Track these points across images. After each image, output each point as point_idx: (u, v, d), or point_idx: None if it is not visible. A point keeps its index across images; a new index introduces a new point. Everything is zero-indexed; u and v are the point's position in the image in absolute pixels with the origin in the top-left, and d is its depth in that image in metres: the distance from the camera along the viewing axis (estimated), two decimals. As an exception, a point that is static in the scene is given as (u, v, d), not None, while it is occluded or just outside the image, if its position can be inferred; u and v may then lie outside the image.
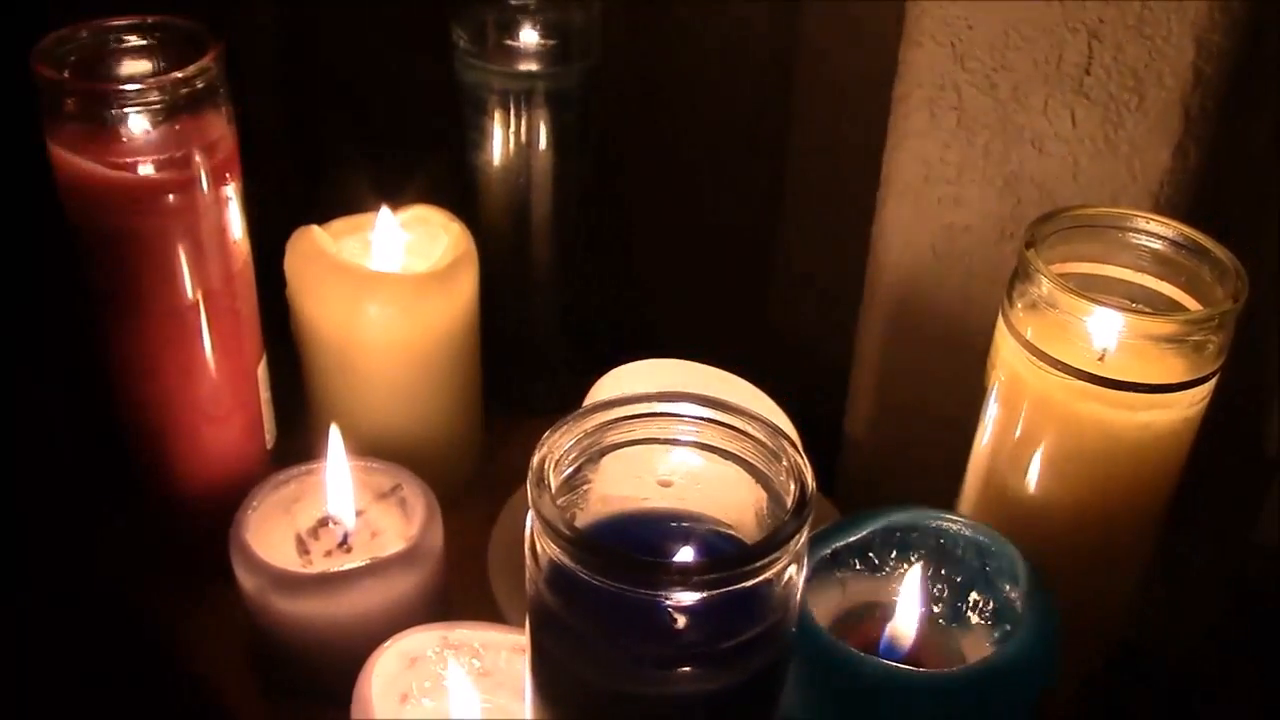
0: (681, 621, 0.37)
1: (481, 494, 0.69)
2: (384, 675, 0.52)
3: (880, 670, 0.45)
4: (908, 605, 0.49)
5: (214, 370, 0.60)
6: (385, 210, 0.67)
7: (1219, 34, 0.53)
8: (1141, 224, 0.53)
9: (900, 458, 0.68)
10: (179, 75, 0.55)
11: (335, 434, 0.60)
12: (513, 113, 0.67)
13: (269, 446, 0.66)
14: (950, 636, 0.50)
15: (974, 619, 0.50)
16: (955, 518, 0.50)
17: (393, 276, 0.65)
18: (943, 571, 0.50)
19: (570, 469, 0.40)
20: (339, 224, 0.67)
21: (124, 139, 0.55)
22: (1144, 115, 0.55)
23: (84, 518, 0.69)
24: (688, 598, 0.36)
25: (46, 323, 0.71)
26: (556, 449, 0.39)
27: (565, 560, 0.36)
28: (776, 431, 0.40)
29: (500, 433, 0.73)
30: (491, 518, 0.66)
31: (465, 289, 0.66)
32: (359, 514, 0.61)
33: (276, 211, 0.65)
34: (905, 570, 0.51)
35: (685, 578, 0.36)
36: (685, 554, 0.41)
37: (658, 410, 0.40)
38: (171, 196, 0.56)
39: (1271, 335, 0.59)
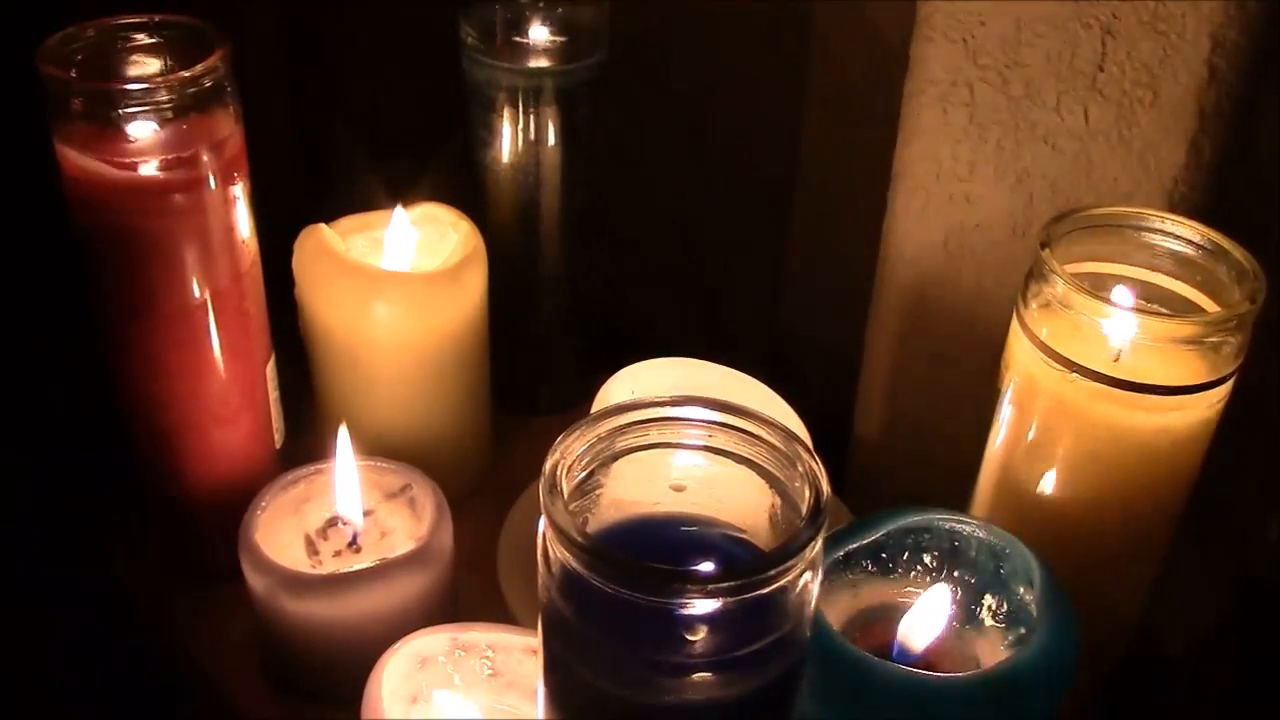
0: (695, 629, 0.36)
1: (490, 493, 0.69)
2: (394, 677, 0.52)
3: (895, 675, 0.45)
4: (926, 615, 0.48)
5: (222, 370, 0.60)
6: (399, 210, 0.67)
7: (1233, 30, 0.53)
8: (1158, 224, 0.52)
9: (912, 458, 0.68)
10: (186, 74, 0.54)
11: (344, 434, 0.60)
12: (521, 110, 0.67)
13: (277, 446, 0.65)
14: (964, 640, 0.49)
15: (988, 621, 0.49)
16: (969, 519, 0.50)
17: (401, 275, 0.65)
18: (956, 574, 0.50)
19: (583, 474, 0.39)
20: (347, 222, 0.67)
21: (131, 138, 0.54)
22: (1158, 112, 0.55)
23: (92, 518, 0.68)
24: (702, 606, 0.36)
25: (53, 323, 0.71)
26: (569, 454, 0.39)
27: (578, 567, 0.36)
28: (791, 436, 0.39)
29: (508, 432, 0.73)
30: (500, 517, 0.66)
31: (474, 287, 0.66)
32: (368, 514, 0.61)
33: (284, 210, 0.65)
34: (918, 572, 0.50)
35: (699, 586, 0.35)
36: (699, 560, 0.41)
37: (670, 415, 0.40)
38: (179, 196, 0.55)
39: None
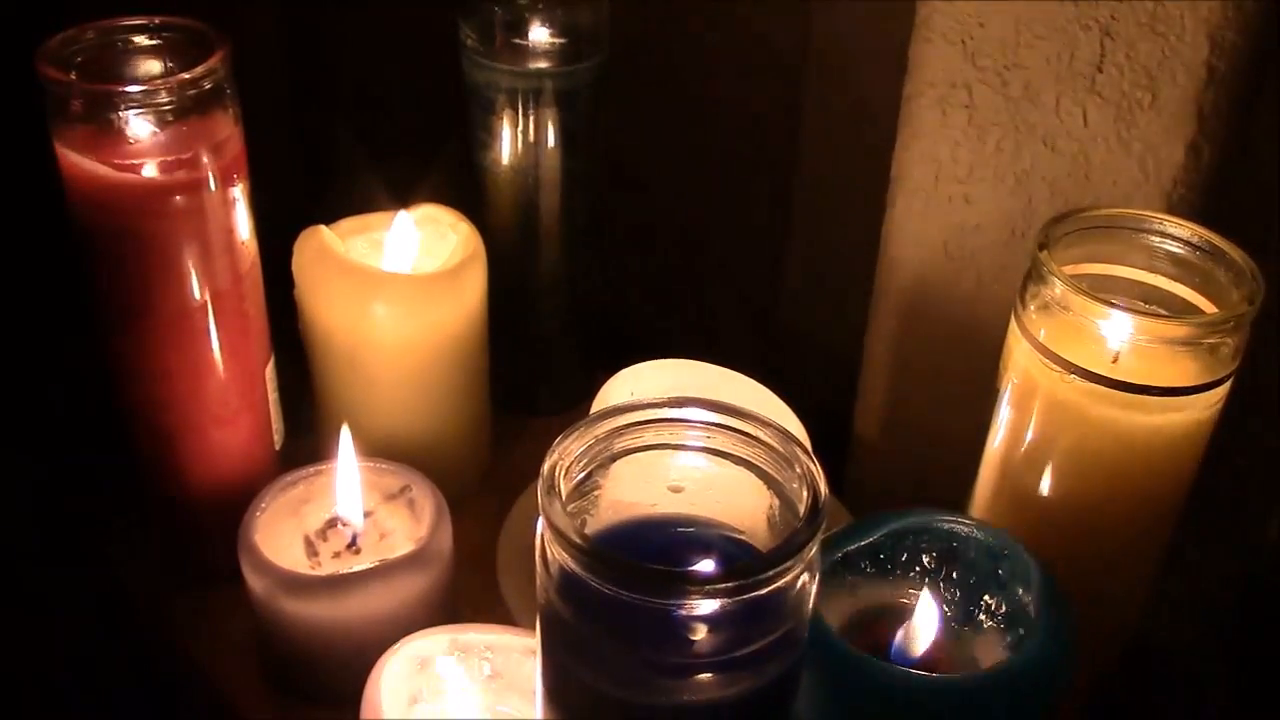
0: (694, 630, 0.37)
1: (489, 494, 0.69)
2: (393, 678, 0.52)
3: (893, 676, 0.45)
4: (924, 615, 0.48)
5: (222, 371, 0.60)
6: (401, 213, 0.67)
7: (1232, 31, 0.53)
8: (1156, 225, 0.52)
9: (911, 458, 0.68)
10: (186, 76, 0.54)
11: (346, 434, 0.60)
12: (521, 112, 0.67)
13: (277, 448, 0.65)
14: (962, 640, 0.49)
15: (987, 622, 0.49)
16: (967, 520, 0.50)
17: (401, 276, 0.65)
18: (954, 575, 0.50)
19: (581, 475, 0.39)
20: (347, 224, 0.67)
21: (131, 140, 0.54)
22: (1157, 113, 0.55)
23: (92, 518, 0.68)
24: (700, 606, 0.36)
25: (54, 324, 0.71)
26: (567, 455, 0.39)
27: (577, 569, 0.36)
28: (788, 438, 0.39)
29: (508, 432, 0.73)
30: (500, 518, 0.66)
31: (474, 289, 0.66)
32: (367, 515, 0.61)
33: (284, 211, 0.65)
34: (916, 573, 0.51)
35: (698, 587, 0.35)
36: (697, 562, 0.41)
37: (669, 416, 0.40)
38: (179, 198, 0.55)
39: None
